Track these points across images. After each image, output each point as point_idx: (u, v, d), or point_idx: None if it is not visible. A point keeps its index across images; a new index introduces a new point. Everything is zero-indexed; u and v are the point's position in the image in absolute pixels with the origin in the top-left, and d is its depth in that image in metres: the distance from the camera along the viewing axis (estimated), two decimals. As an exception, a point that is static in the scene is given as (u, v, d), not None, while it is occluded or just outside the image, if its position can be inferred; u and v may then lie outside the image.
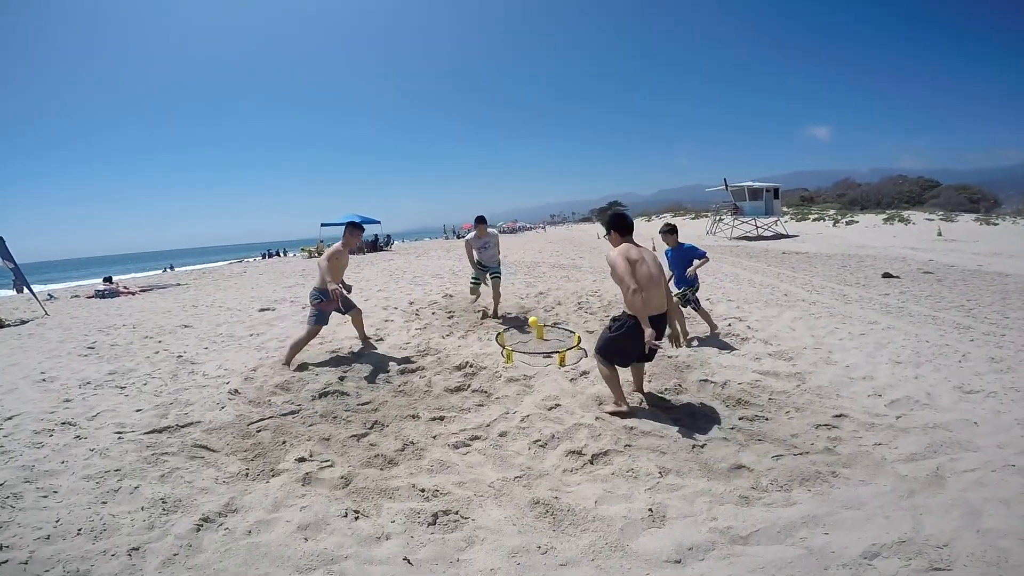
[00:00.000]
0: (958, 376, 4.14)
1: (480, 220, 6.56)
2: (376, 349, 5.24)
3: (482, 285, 6.79)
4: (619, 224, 3.58)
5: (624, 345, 3.41)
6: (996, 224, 20.78)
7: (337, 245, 4.99)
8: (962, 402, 3.64)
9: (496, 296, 6.67)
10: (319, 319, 4.84)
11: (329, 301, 4.77)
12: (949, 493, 2.45)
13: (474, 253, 6.60)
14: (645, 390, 3.89)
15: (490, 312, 6.71)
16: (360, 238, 5.08)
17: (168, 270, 27.88)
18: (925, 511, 2.30)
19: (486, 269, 6.64)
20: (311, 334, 4.85)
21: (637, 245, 3.52)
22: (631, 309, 3.28)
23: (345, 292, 5.07)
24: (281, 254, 32.49)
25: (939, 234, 19.44)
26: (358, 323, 5.35)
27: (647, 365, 3.90)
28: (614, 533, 2.23)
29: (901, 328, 5.75)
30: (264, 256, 32.95)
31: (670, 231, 5.45)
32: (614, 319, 3.53)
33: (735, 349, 5.01)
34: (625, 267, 3.28)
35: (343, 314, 5.14)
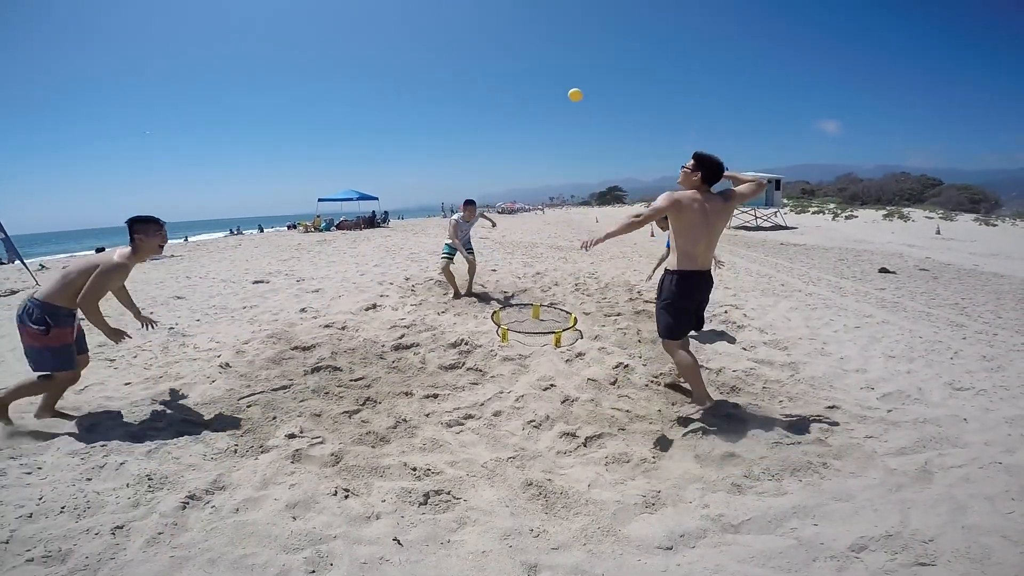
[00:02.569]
0: (950, 373, 4.16)
1: (470, 203, 6.93)
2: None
3: (451, 264, 7.05)
4: (708, 168, 3.09)
5: (681, 306, 3.14)
6: (995, 225, 20.82)
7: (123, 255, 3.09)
8: (952, 398, 3.66)
9: (473, 270, 7.05)
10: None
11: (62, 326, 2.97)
12: (936, 488, 2.47)
13: (459, 234, 6.86)
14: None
15: (463, 291, 6.84)
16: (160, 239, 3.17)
17: (185, 241, 26.30)
18: (912, 505, 2.31)
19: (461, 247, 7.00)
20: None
21: (711, 195, 3.10)
22: (612, 227, 3.01)
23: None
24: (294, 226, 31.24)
25: (937, 232, 19.48)
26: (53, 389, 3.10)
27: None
28: (606, 517, 2.23)
29: (895, 323, 5.77)
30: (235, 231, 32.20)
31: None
32: (660, 283, 3.24)
33: (730, 336, 5.01)
34: (661, 204, 3.01)
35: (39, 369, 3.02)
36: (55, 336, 2.91)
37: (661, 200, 3.05)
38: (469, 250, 6.97)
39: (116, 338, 3.04)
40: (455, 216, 6.84)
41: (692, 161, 3.13)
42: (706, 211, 3.03)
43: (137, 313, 3.50)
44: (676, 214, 3.04)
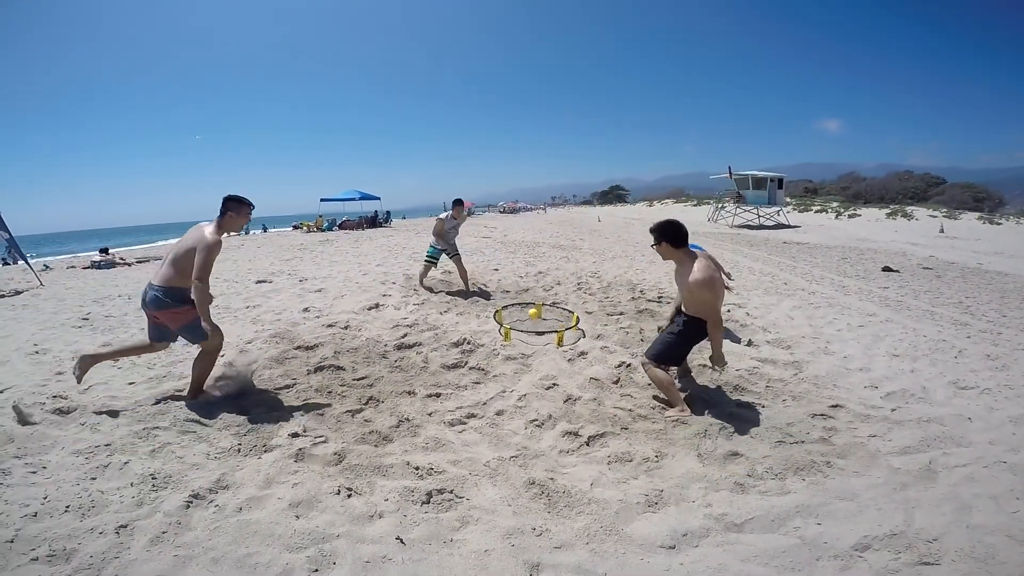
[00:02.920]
0: (954, 372, 4.14)
1: (459, 203, 7.03)
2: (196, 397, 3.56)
3: (434, 268, 7.23)
4: (670, 233, 3.24)
5: (684, 349, 3.44)
6: (999, 224, 20.73)
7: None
8: (957, 397, 3.65)
9: (464, 272, 6.98)
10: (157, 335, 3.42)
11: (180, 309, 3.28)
12: (940, 488, 2.46)
13: (444, 233, 6.88)
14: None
15: (463, 297, 6.75)
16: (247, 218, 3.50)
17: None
18: (916, 505, 2.31)
19: (446, 250, 6.99)
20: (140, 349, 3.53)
21: (690, 252, 3.28)
22: (713, 341, 3.24)
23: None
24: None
25: (941, 231, 19.40)
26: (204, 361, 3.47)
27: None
28: (609, 517, 2.23)
29: (899, 322, 5.75)
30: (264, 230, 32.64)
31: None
32: (675, 322, 3.46)
33: (734, 336, 5.01)
34: (720, 291, 3.26)
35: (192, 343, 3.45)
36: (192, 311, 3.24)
37: (707, 285, 3.13)
38: (454, 253, 6.97)
39: (209, 323, 3.21)
40: (443, 214, 6.95)
41: (654, 237, 3.30)
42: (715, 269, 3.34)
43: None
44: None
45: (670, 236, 3.23)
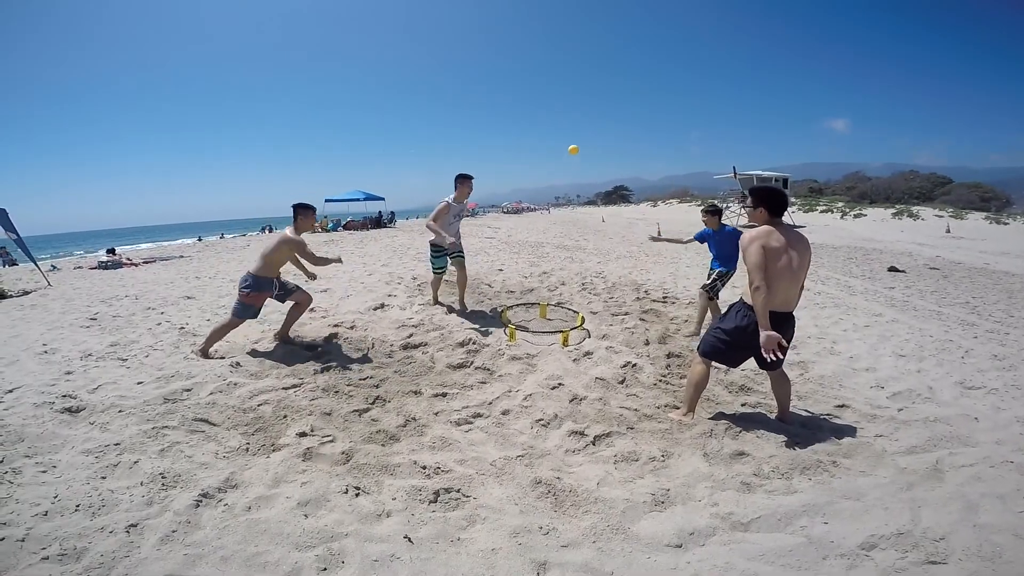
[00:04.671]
0: (960, 372, 4.13)
1: (465, 179, 5.33)
2: (285, 343, 4.64)
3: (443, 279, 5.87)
4: (771, 200, 2.92)
5: (735, 343, 3.00)
6: (1006, 224, 20.61)
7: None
8: (963, 397, 3.64)
9: (464, 280, 5.78)
10: (241, 312, 4.32)
11: (260, 292, 4.30)
12: (947, 487, 2.46)
13: (445, 224, 5.29)
14: (788, 414, 3.24)
15: (456, 306, 5.83)
16: (313, 219, 4.46)
17: (198, 240, 27.72)
18: (923, 504, 2.30)
19: (447, 251, 5.56)
20: (231, 325, 4.38)
21: (785, 227, 2.95)
22: (754, 307, 2.82)
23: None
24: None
25: (947, 231, 19.31)
26: (295, 313, 4.66)
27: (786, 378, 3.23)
28: (616, 515, 2.24)
29: (905, 322, 5.74)
30: (267, 229, 32.92)
31: (713, 212, 5.26)
32: (730, 308, 3.09)
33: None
34: (759, 260, 2.79)
35: (280, 302, 4.60)
36: (253, 297, 4.28)
37: (750, 247, 2.83)
38: (458, 252, 5.59)
39: (332, 261, 4.60)
40: (447, 197, 5.36)
41: (752, 198, 3.01)
42: (787, 245, 2.87)
43: (310, 276, 4.96)
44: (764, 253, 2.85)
45: (771, 203, 2.92)
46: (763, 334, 2.77)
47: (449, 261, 5.71)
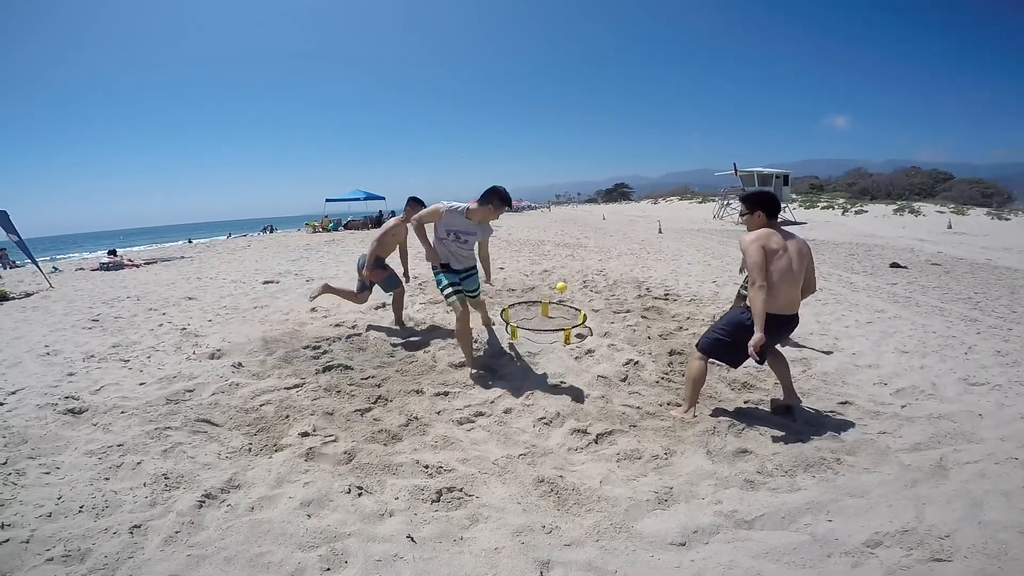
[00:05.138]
0: (964, 368, 4.11)
1: (499, 197, 3.73)
2: (403, 328, 5.24)
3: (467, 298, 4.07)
4: (765, 203, 3.02)
5: (736, 342, 2.98)
6: (1008, 219, 20.57)
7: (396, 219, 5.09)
8: (967, 394, 3.62)
9: (485, 319, 4.87)
10: (361, 287, 5.18)
11: (375, 270, 5.06)
12: (952, 484, 2.45)
13: (434, 236, 3.90)
14: (797, 398, 3.26)
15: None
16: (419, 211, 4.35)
17: (188, 243, 28.16)
18: (928, 501, 2.29)
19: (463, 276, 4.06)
20: (349, 295, 5.24)
21: (782, 230, 3.01)
22: (751, 305, 2.85)
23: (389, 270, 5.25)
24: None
25: (949, 227, 19.27)
26: (397, 304, 5.34)
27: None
28: (619, 514, 2.23)
29: (908, 318, 5.72)
30: (268, 230, 33.02)
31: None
32: (732, 308, 3.10)
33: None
34: (759, 259, 2.83)
35: (385, 291, 5.29)
36: (373, 273, 5.06)
37: (750, 247, 2.90)
38: (473, 293, 4.22)
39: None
40: (453, 203, 3.82)
41: (746, 204, 3.08)
42: (785, 247, 2.93)
43: (406, 268, 5.60)
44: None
45: (767, 206, 3.01)
46: (756, 334, 2.79)
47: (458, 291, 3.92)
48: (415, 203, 4.88)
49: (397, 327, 5.23)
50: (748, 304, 2.95)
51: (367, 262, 4.99)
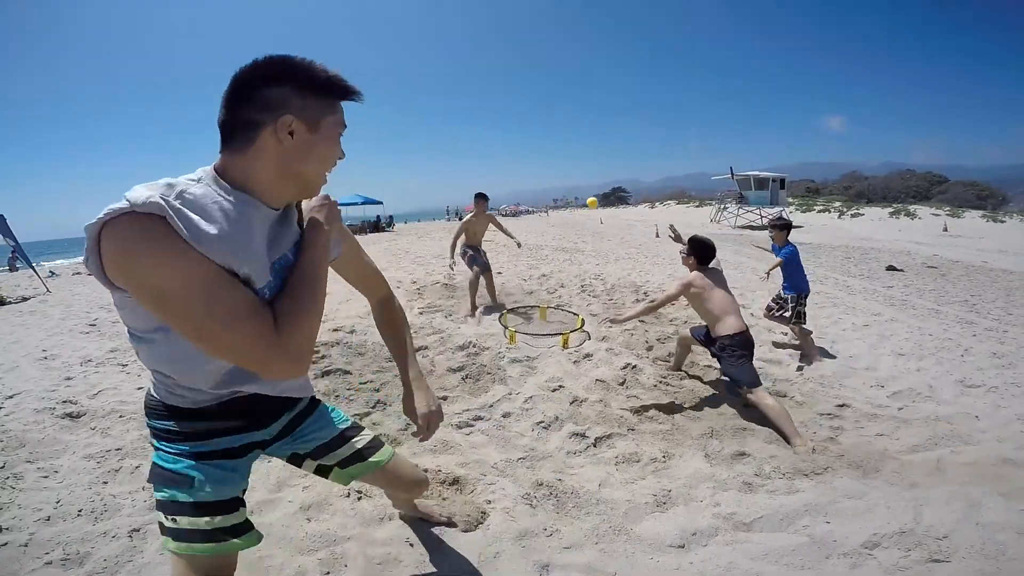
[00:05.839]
0: (960, 370, 4.14)
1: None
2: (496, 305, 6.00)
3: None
4: (699, 249, 3.64)
5: (748, 355, 3.37)
6: (1003, 221, 20.70)
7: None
8: (964, 396, 3.65)
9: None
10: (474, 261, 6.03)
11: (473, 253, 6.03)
12: (949, 486, 2.46)
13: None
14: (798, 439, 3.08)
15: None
16: (485, 206, 6.06)
17: None
18: (925, 503, 2.30)
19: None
20: (473, 288, 6.01)
21: (712, 271, 3.62)
22: (633, 308, 3.85)
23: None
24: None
25: (945, 229, 19.37)
26: (489, 285, 6.22)
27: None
28: (618, 517, 2.24)
29: (904, 321, 5.75)
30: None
31: (782, 227, 4.74)
32: (723, 348, 3.38)
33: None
34: (672, 292, 3.60)
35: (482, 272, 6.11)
36: (468, 258, 6.04)
37: (673, 284, 3.69)
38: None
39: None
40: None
41: (686, 247, 3.70)
42: (715, 285, 3.52)
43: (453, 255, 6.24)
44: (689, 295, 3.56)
45: (697, 253, 3.63)
46: (620, 317, 3.66)
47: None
48: (483, 197, 5.97)
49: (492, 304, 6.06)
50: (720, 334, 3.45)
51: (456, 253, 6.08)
